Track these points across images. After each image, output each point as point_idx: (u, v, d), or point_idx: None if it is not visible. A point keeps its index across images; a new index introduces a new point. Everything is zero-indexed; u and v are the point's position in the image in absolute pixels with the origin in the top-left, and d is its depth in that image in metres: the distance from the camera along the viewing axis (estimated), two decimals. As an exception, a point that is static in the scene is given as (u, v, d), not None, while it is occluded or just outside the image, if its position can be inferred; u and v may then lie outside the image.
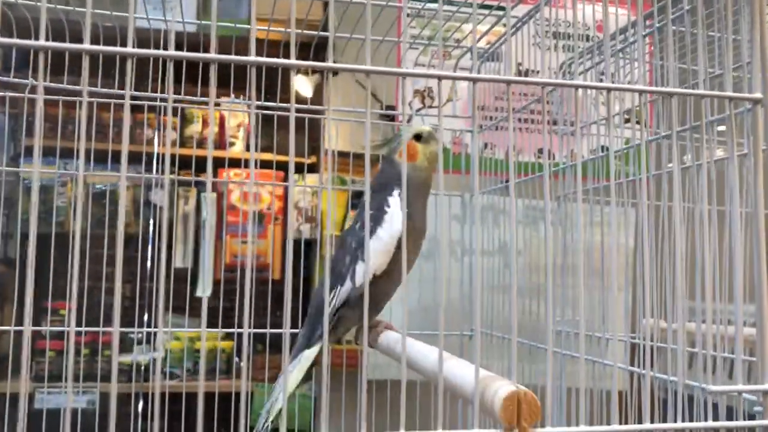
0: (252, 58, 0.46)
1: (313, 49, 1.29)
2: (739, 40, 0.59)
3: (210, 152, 0.47)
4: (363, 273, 0.84)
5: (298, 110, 1.30)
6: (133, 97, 1.26)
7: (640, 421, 0.87)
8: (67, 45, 0.44)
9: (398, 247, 0.84)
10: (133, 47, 0.44)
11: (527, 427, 0.45)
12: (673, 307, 0.62)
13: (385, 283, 0.85)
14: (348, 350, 2.09)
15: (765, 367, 0.50)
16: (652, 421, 0.55)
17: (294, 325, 1.92)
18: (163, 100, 1.20)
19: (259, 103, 1.25)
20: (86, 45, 0.43)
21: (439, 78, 0.51)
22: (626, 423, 0.50)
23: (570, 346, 0.96)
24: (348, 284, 0.87)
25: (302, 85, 2.26)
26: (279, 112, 1.28)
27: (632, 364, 0.92)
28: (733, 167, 0.56)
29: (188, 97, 1.41)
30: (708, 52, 0.75)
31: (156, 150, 1.77)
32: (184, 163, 1.95)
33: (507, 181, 1.22)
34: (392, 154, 0.93)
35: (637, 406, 0.86)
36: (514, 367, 0.48)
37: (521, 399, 0.45)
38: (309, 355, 0.88)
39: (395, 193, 0.87)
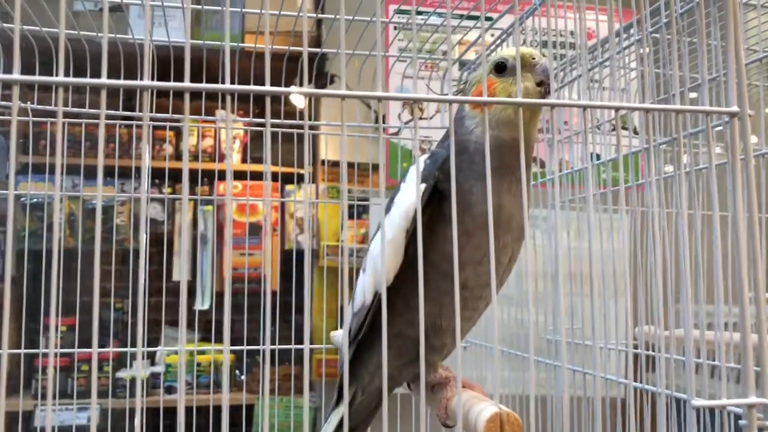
0: (227, 86, 0.46)
1: (310, 61, 1.30)
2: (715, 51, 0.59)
3: (186, 167, 0.47)
4: (366, 286, 0.60)
5: (293, 126, 1.31)
6: (129, 118, 1.27)
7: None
8: (86, 81, 0.44)
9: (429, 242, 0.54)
10: (151, 78, 0.44)
11: (510, 447, 0.45)
12: (655, 316, 0.62)
13: (404, 300, 0.56)
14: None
15: (748, 380, 0.50)
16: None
17: (296, 338, 1.93)
18: (169, 120, 1.20)
19: (247, 120, 1.25)
20: (104, 80, 0.43)
21: (415, 100, 0.51)
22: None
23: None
24: (357, 302, 0.61)
25: (295, 98, 2.27)
26: (282, 129, 1.29)
27: (635, 373, 0.92)
28: (713, 178, 0.56)
29: (192, 117, 1.42)
30: (690, 61, 0.75)
31: (140, 163, 1.77)
32: (180, 176, 1.95)
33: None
34: (464, 106, 0.62)
35: (639, 416, 0.86)
36: (497, 388, 0.48)
37: (503, 420, 0.45)
38: (334, 419, 0.66)
39: (423, 158, 0.58)
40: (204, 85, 0.45)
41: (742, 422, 0.50)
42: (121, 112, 1.10)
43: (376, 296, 0.58)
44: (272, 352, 1.74)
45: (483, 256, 0.58)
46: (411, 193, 0.58)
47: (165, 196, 2.00)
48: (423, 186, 0.56)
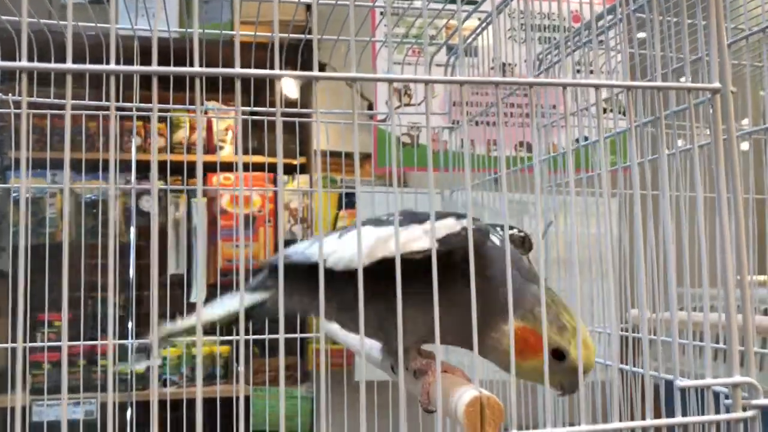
0: (237, 70, 0.45)
1: (301, 49, 1.29)
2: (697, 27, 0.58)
3: (199, 157, 0.46)
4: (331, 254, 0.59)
5: (286, 114, 1.30)
6: (119, 108, 1.26)
7: (632, 418, 0.87)
8: (50, 65, 0.43)
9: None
10: (117, 63, 0.43)
11: None
12: (641, 299, 0.61)
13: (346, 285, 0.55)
14: (349, 351, 2.09)
15: (733, 359, 0.49)
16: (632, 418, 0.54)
17: (289, 330, 1.92)
18: (146, 109, 1.19)
19: (246, 109, 1.24)
20: (69, 64, 0.42)
21: (426, 82, 0.50)
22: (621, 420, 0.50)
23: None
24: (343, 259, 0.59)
25: (289, 87, 2.26)
26: (268, 117, 1.28)
27: (623, 357, 0.92)
28: (695, 158, 0.55)
29: (175, 106, 1.41)
30: (676, 43, 0.74)
31: (134, 156, 1.77)
32: (173, 169, 1.95)
33: (493, 175, 1.22)
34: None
35: (629, 401, 0.86)
36: (477, 373, 0.47)
37: (484, 404, 0.45)
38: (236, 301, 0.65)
39: (449, 222, 0.57)
40: (216, 70, 0.45)
41: (727, 401, 0.49)
42: (93, 103, 1.09)
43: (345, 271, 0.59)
44: (270, 342, 1.74)
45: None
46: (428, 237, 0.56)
47: (131, 186, 1.99)
48: (427, 247, 0.55)
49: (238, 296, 0.48)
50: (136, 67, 0.44)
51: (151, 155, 0.46)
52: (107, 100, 0.45)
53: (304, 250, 0.65)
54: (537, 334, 0.55)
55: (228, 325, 0.69)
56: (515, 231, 0.69)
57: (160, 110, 1.46)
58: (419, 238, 0.56)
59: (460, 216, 0.60)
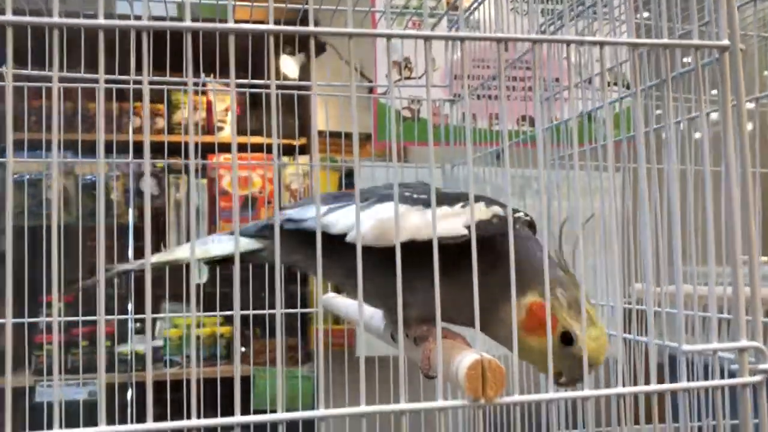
0: (231, 25, 0.44)
1: (298, 24, 1.26)
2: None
3: (191, 133, 0.45)
4: (344, 222, 0.59)
5: (284, 87, 1.28)
6: (113, 81, 1.24)
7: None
8: (32, 19, 0.42)
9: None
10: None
11: (493, 396, 0.44)
12: (645, 271, 0.60)
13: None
14: (349, 330, 2.09)
15: (740, 324, 0.48)
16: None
17: (290, 304, 1.92)
18: (139, 82, 1.18)
19: (244, 81, 1.22)
20: (55, 18, 0.41)
21: (426, 38, 0.49)
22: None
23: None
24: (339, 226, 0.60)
25: (288, 66, 2.24)
26: (266, 90, 1.26)
27: (628, 329, 0.91)
28: (703, 122, 0.54)
29: (171, 78, 1.39)
30: (683, 10, 0.72)
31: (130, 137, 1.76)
32: (172, 150, 1.93)
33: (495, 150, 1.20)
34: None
35: (633, 373, 0.85)
36: (478, 337, 0.46)
37: (485, 367, 0.44)
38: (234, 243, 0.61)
39: (480, 206, 0.58)
40: (206, 24, 0.43)
41: (733, 366, 0.48)
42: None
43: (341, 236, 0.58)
44: (271, 323, 1.74)
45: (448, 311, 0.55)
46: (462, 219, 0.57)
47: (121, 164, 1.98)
48: (465, 233, 0.55)
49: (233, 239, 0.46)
50: (125, 22, 0.42)
51: (144, 134, 0.45)
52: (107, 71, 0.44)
53: (323, 217, 0.62)
54: (551, 314, 0.54)
55: (222, 262, 0.67)
56: (521, 214, 0.68)
57: (157, 90, 1.44)
58: (452, 223, 0.55)
59: (490, 202, 0.59)
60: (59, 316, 1.41)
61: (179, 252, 0.67)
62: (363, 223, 0.56)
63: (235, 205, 0.45)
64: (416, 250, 0.51)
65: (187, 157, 1.69)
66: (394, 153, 0.58)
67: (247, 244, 0.66)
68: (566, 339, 0.57)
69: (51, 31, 0.40)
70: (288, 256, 0.65)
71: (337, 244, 0.57)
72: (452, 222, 0.55)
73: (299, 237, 0.62)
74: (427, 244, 0.46)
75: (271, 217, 0.70)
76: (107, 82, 1.22)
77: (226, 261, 0.67)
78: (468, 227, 0.53)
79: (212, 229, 2.19)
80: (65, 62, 1.22)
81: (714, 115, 0.72)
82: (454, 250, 0.52)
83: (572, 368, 0.56)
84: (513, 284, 0.47)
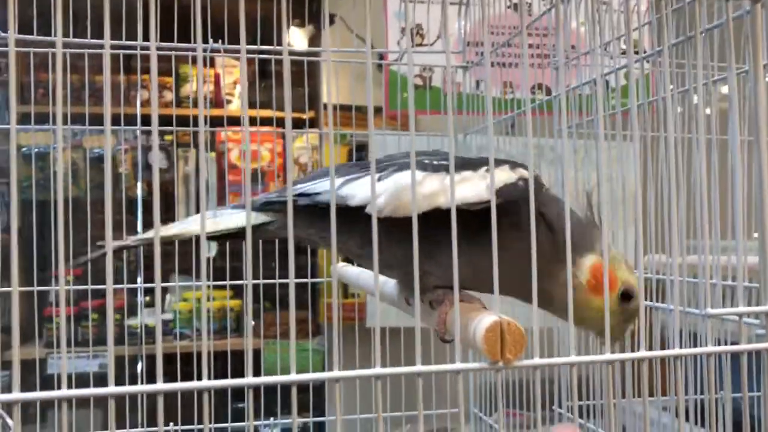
0: None
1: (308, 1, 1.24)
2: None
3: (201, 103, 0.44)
4: (361, 194, 0.57)
5: (295, 54, 1.26)
6: (119, 47, 1.22)
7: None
8: None
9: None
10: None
11: (512, 358, 0.43)
12: (670, 240, 0.58)
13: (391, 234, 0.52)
14: (359, 304, 2.08)
15: (766, 288, 0.47)
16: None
17: (299, 275, 1.91)
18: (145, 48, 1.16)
19: (253, 47, 1.19)
20: None
21: None
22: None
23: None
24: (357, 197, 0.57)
25: (296, 38, 2.21)
26: (276, 56, 1.23)
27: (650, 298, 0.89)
28: (732, 81, 0.52)
29: (180, 45, 1.36)
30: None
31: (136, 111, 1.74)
32: (181, 123, 1.92)
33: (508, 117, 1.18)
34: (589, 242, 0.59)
35: (648, 340, 0.83)
36: (497, 300, 0.45)
37: (504, 329, 0.43)
38: (241, 217, 0.61)
39: (504, 169, 0.56)
40: None
41: (759, 331, 0.47)
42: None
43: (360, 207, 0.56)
44: (281, 296, 1.74)
45: (474, 279, 0.56)
46: (484, 183, 0.55)
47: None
48: (487, 197, 0.52)
49: (244, 213, 0.45)
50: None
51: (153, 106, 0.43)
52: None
53: (338, 190, 0.59)
54: (610, 272, 0.53)
55: (230, 236, 0.65)
56: (537, 172, 0.67)
57: (165, 62, 1.42)
58: (477, 187, 0.53)
59: (515, 165, 0.57)
60: (68, 285, 1.41)
61: (189, 225, 0.65)
62: (383, 193, 0.54)
63: (247, 178, 0.43)
64: (441, 218, 0.49)
65: (197, 126, 1.67)
66: (412, 120, 0.56)
67: (256, 218, 0.64)
68: (626, 296, 0.57)
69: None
70: (301, 230, 0.63)
71: (353, 216, 0.56)
72: (477, 185, 0.53)
73: (311, 210, 0.60)
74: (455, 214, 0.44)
75: (281, 190, 0.68)
76: (114, 48, 1.21)
77: (235, 236, 0.64)
78: (495, 191, 0.51)
79: (221, 204, 2.18)
80: (71, 31, 1.21)
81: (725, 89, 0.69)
82: (484, 216, 0.50)
83: (623, 327, 0.57)
84: (568, 245, 0.45)
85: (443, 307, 0.53)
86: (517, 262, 0.48)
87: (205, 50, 1.10)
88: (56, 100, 0.41)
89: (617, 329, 0.58)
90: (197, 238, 0.57)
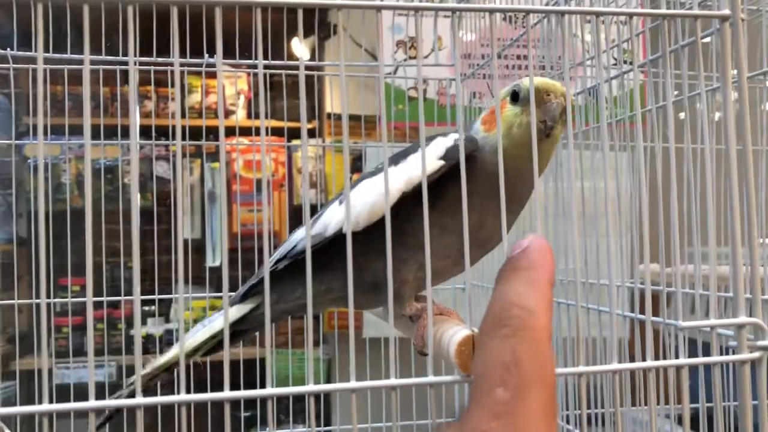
0: None
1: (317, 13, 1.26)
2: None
3: (221, 109, 0.45)
4: (331, 220, 0.58)
5: (296, 69, 1.28)
6: (101, 61, 1.24)
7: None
8: None
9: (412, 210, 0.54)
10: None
11: (484, 372, 0.44)
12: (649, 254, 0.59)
13: (363, 246, 0.52)
14: (356, 313, 2.09)
15: (739, 300, 0.47)
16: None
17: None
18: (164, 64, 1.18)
19: (262, 62, 1.20)
20: None
21: (416, 9, 0.48)
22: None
23: (567, 294, 0.95)
24: (317, 228, 0.59)
25: (298, 49, 2.23)
26: (286, 72, 1.25)
27: (632, 311, 0.90)
28: (703, 100, 0.53)
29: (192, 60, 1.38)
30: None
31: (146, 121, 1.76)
32: (187, 134, 1.94)
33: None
34: (475, 122, 0.62)
35: (630, 351, 0.84)
36: (470, 314, 0.46)
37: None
38: (229, 314, 0.60)
39: (443, 139, 0.57)
40: None
41: (732, 343, 0.48)
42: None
43: (338, 234, 0.57)
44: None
45: (447, 255, 0.58)
46: (424, 164, 0.56)
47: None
48: (442, 163, 0.55)
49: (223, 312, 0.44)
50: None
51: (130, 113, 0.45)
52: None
53: (313, 230, 0.59)
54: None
55: (216, 346, 0.62)
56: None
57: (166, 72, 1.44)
58: (427, 161, 0.52)
59: (444, 135, 0.59)
60: (72, 297, 1.43)
61: (169, 354, 0.63)
62: (352, 210, 0.56)
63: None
64: (411, 209, 0.53)
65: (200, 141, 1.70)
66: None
67: (240, 309, 0.62)
68: (514, 96, 0.58)
69: (35, 6, 0.40)
70: (290, 293, 0.62)
71: (336, 250, 0.55)
72: (427, 158, 0.54)
73: (296, 268, 0.59)
74: (419, 193, 0.44)
75: (259, 272, 0.66)
76: (100, 62, 1.23)
77: (232, 336, 0.64)
78: (441, 158, 0.54)
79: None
80: (69, 46, 1.23)
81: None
82: (444, 186, 0.54)
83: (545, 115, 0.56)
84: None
85: (422, 321, 0.54)
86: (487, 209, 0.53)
87: (209, 65, 1.12)
88: (62, 111, 0.43)
89: (545, 120, 0.56)
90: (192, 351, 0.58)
